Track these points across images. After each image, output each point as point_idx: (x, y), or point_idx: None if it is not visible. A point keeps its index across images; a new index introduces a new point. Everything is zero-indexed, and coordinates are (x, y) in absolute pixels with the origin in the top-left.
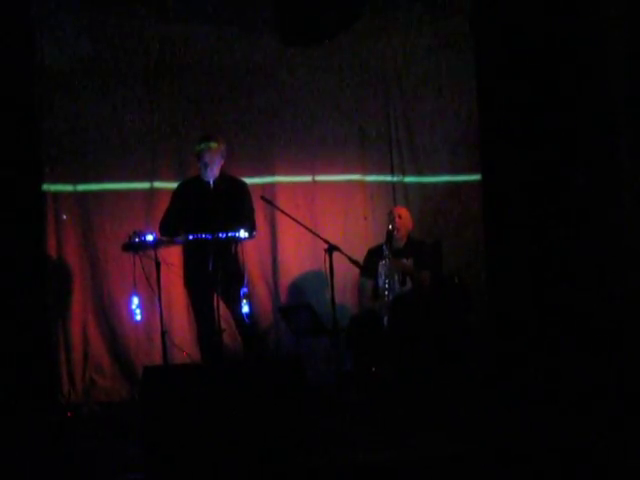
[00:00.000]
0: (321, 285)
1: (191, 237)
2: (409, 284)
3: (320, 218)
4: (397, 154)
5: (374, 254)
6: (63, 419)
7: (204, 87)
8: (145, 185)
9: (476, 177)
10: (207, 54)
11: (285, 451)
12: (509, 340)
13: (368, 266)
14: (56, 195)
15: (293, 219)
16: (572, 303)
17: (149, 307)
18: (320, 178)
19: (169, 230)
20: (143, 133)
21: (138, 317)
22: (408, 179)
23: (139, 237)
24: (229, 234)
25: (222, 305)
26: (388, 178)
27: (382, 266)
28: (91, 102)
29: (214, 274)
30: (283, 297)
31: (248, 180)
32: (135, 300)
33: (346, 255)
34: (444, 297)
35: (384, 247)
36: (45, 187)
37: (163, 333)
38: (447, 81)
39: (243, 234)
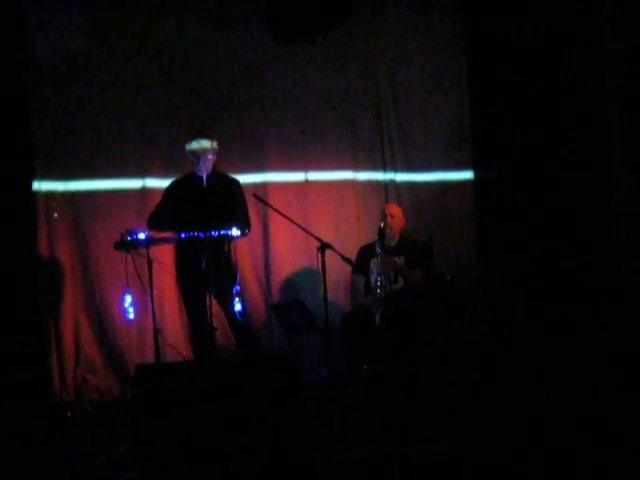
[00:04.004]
0: (313, 283)
1: (183, 235)
2: (401, 282)
3: (312, 216)
4: (389, 150)
5: (366, 251)
6: (55, 418)
7: (196, 83)
8: (137, 184)
9: (468, 175)
10: (199, 51)
11: (277, 449)
12: (501, 338)
13: (360, 264)
14: (47, 194)
15: (285, 217)
16: (565, 301)
17: (141, 305)
18: (312, 177)
19: (158, 223)
20: (135, 129)
21: (131, 315)
22: (400, 178)
23: (131, 235)
24: (221, 232)
25: (215, 303)
26: (380, 176)
27: (374, 264)
28: (83, 98)
29: (206, 272)
30: (275, 295)
31: (240, 176)
32: (128, 298)
33: (338, 253)
34: (435, 295)
35: (376, 245)
36: (36, 186)
37: (155, 331)
38: (439, 77)
39: (235, 232)
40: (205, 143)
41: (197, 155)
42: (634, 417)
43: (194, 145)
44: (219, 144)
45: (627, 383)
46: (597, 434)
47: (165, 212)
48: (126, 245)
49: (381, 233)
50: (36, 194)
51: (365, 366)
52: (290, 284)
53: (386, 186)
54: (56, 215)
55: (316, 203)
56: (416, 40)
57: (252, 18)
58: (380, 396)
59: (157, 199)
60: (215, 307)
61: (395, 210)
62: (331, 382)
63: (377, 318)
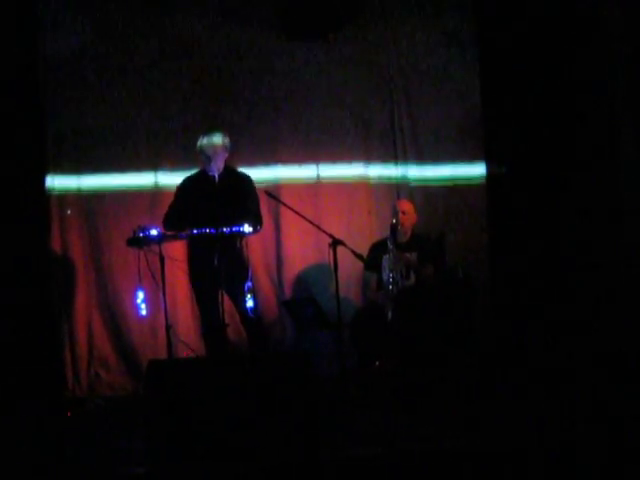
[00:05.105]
0: (325, 279)
1: (195, 231)
2: (413, 278)
3: (324, 213)
4: (401, 144)
5: (378, 248)
6: (67, 414)
7: (208, 78)
8: (149, 180)
9: (480, 171)
10: (211, 46)
11: (289, 445)
12: (513, 334)
13: (372, 260)
14: (60, 191)
15: (297, 213)
16: (575, 298)
17: (154, 302)
18: (324, 173)
19: (173, 225)
20: (147, 125)
21: (143, 312)
22: (412, 173)
23: (143, 232)
24: (233, 229)
25: (227, 299)
26: (392, 171)
27: (386, 260)
28: (95, 94)
29: (218, 269)
30: (287, 291)
31: (252, 172)
32: (140, 295)
33: (350, 249)
34: (448, 291)
35: (388, 241)
36: (49, 182)
37: (167, 327)
38: (451, 71)
39: (247, 229)
40: (217, 139)
41: (208, 155)
42: (634, 417)
43: (205, 141)
44: (231, 140)
45: (628, 383)
46: (598, 433)
47: (179, 211)
48: (139, 241)
49: (393, 229)
50: (49, 191)
51: (377, 362)
52: (302, 280)
53: (398, 182)
54: (69, 212)
55: (328, 199)
56: (427, 33)
57: (264, 13)
58: (391, 393)
59: (170, 195)
60: (227, 303)
61: (407, 206)
62: (342, 378)
63: (389, 314)
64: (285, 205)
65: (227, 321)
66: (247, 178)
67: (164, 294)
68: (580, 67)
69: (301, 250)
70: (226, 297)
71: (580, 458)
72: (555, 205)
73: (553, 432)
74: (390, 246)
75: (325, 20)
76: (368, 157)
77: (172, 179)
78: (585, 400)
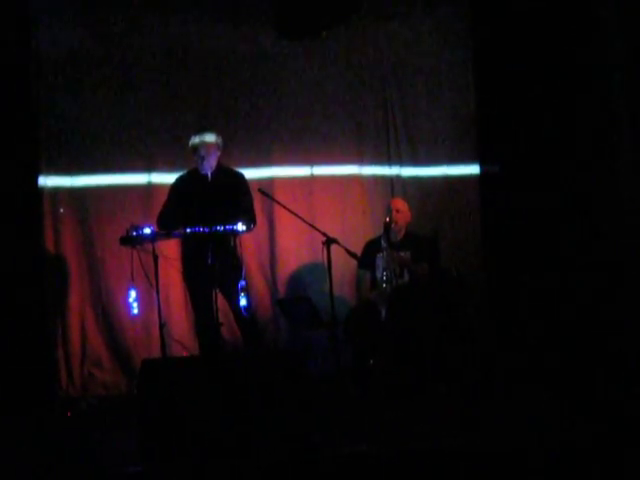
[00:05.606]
0: (319, 277)
1: (189, 230)
2: (406, 277)
3: (318, 211)
4: (394, 144)
5: (372, 246)
6: (61, 413)
7: (201, 78)
8: (142, 179)
9: (474, 170)
10: (204, 45)
11: (284, 444)
12: (507, 333)
13: (366, 258)
14: (53, 190)
15: (291, 211)
16: (570, 296)
17: (147, 300)
18: (318, 172)
19: (167, 223)
20: (140, 124)
21: (135, 311)
22: (405, 173)
23: (137, 231)
24: (227, 227)
25: (221, 298)
26: (386, 170)
27: (380, 258)
28: (88, 94)
29: (212, 267)
30: (281, 290)
31: (246, 171)
32: (132, 293)
33: (344, 247)
34: (441, 289)
35: (382, 240)
36: (42, 181)
37: (161, 326)
38: (445, 71)
39: (241, 227)
40: (209, 137)
41: (200, 153)
42: (634, 417)
43: (197, 140)
44: (224, 139)
45: (628, 383)
46: (598, 433)
47: (172, 210)
48: (132, 240)
49: (387, 228)
50: (42, 190)
51: (371, 361)
52: (296, 279)
53: (392, 181)
54: (62, 210)
55: (322, 198)
56: (422, 34)
57: (258, 12)
58: (385, 391)
59: (163, 194)
60: (221, 302)
61: (401, 205)
62: (337, 377)
63: (383, 313)
64: (279, 203)
65: (221, 320)
66: (240, 176)
67: (158, 293)
68: (580, 67)
69: (295, 248)
70: (220, 296)
71: (580, 458)
72: (554, 205)
73: (553, 432)
74: (384, 244)
75: (318, 18)
76: (361, 158)
77: (166, 178)
78: (585, 400)
